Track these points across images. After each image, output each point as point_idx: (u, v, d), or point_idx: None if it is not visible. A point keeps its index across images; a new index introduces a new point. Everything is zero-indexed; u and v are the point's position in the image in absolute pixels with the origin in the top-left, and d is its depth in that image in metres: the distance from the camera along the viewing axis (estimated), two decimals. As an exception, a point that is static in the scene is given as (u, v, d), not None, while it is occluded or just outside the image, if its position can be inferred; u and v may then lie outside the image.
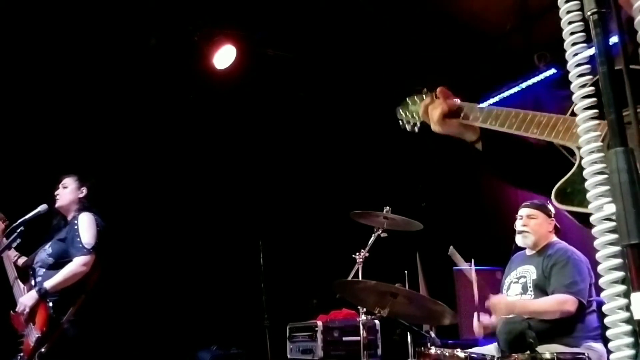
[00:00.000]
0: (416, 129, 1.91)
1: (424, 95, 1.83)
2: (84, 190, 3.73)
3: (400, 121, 1.97)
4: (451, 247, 3.36)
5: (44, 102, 4.84)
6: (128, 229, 4.82)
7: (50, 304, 3.37)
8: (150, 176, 5.46)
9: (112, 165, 5.04)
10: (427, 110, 1.74)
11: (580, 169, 1.28)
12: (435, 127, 1.74)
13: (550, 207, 3.54)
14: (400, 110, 1.95)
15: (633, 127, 0.84)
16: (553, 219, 3.50)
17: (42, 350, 3.27)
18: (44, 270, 3.53)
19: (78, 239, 3.50)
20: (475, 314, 3.42)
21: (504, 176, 1.79)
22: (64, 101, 4.91)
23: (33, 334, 3.33)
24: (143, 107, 5.32)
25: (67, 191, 3.71)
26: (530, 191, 1.80)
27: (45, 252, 3.56)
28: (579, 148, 1.33)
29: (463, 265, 3.41)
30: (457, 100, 1.72)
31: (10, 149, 4.66)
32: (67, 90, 4.89)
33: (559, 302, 3.13)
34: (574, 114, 1.18)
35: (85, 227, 3.56)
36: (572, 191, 1.36)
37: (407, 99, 1.92)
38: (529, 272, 3.37)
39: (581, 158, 1.27)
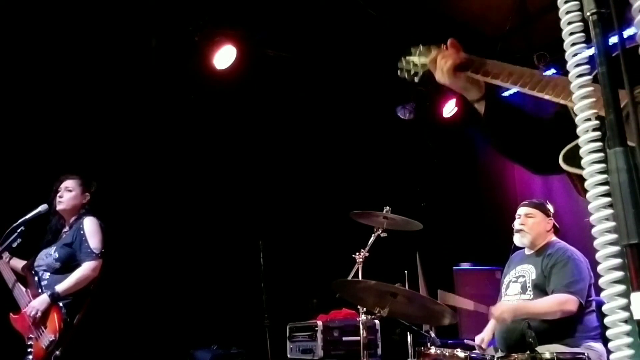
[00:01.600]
0: (416, 79, 1.85)
1: (431, 47, 1.79)
2: (87, 197, 3.76)
3: (399, 70, 1.90)
4: (439, 291, 3.37)
5: (43, 102, 4.84)
6: (128, 229, 4.82)
7: (64, 308, 3.39)
8: (150, 176, 5.45)
9: (112, 166, 5.03)
10: (435, 60, 1.69)
11: None
12: (441, 78, 1.68)
13: (549, 206, 3.54)
14: (403, 59, 1.88)
15: (633, 127, 0.84)
16: (552, 218, 3.50)
17: (57, 353, 3.28)
18: (49, 274, 3.54)
19: (86, 244, 3.53)
20: (477, 339, 3.46)
21: (498, 142, 1.72)
22: (64, 101, 4.90)
23: (46, 338, 3.33)
24: (143, 108, 5.32)
25: (72, 195, 3.71)
26: (519, 163, 1.73)
27: (52, 257, 3.57)
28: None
29: (459, 302, 3.42)
30: (471, 56, 1.69)
31: (10, 149, 4.66)
32: (67, 90, 4.89)
33: (560, 302, 3.13)
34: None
35: (92, 232, 3.59)
36: (579, 156, 1.32)
37: (412, 48, 1.87)
38: (528, 272, 3.37)
39: None
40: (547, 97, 1.40)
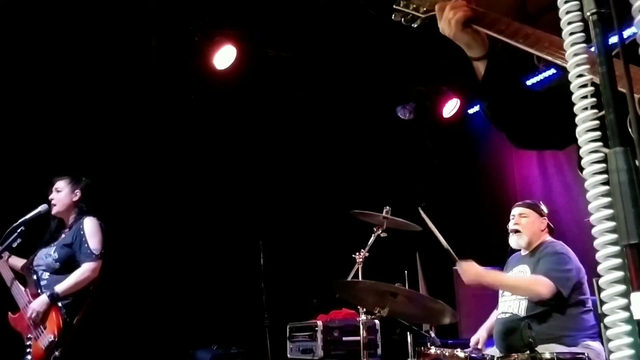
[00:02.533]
0: (414, 25, 1.69)
1: None
2: (78, 193, 3.72)
3: (395, 13, 1.71)
4: (420, 209, 3.31)
5: (43, 103, 4.84)
6: (128, 229, 4.82)
7: (63, 308, 3.39)
8: (150, 176, 5.46)
9: (111, 166, 5.03)
10: (443, 9, 1.55)
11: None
12: (446, 29, 1.55)
13: (543, 207, 3.55)
14: (401, 0, 1.70)
15: (633, 128, 0.84)
16: (545, 217, 3.51)
17: (57, 353, 3.28)
18: (49, 274, 3.54)
19: (86, 245, 3.53)
20: (472, 339, 3.47)
21: (490, 106, 1.63)
22: (64, 101, 4.91)
23: (45, 338, 3.33)
24: (143, 108, 5.32)
25: (62, 195, 3.70)
26: (505, 131, 1.65)
27: (51, 257, 3.56)
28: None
29: (432, 227, 3.40)
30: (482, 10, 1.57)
31: (10, 149, 4.66)
32: (67, 91, 4.89)
33: (533, 282, 3.13)
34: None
35: (92, 232, 3.58)
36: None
37: None
38: (523, 272, 3.38)
39: None
40: (560, 62, 1.31)
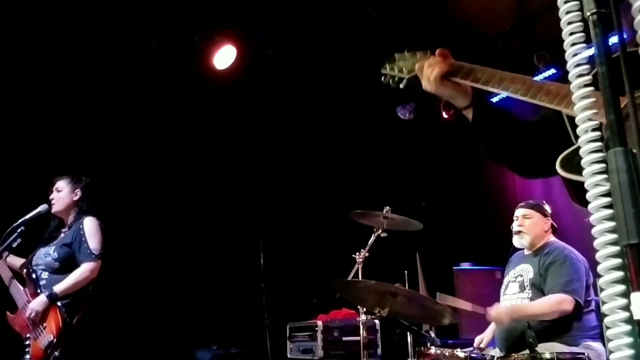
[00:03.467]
0: (401, 86, 1.78)
1: (417, 53, 1.75)
2: (78, 193, 3.72)
3: (383, 76, 1.84)
4: (438, 293, 3.38)
5: (43, 103, 4.84)
6: (128, 229, 4.83)
7: (63, 308, 3.38)
8: (150, 176, 5.46)
9: (111, 166, 5.04)
10: (422, 68, 1.65)
11: None
12: (427, 86, 1.63)
13: (546, 207, 3.55)
14: (387, 65, 1.82)
15: (633, 128, 0.84)
16: (549, 218, 3.51)
17: (56, 353, 3.27)
18: (48, 273, 3.53)
19: (86, 245, 3.52)
20: (476, 339, 3.48)
21: (487, 148, 1.69)
22: (64, 101, 4.91)
23: (44, 338, 3.32)
24: (144, 107, 5.32)
25: (62, 195, 3.69)
26: (508, 167, 1.71)
27: (51, 257, 3.55)
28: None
29: (457, 304, 3.43)
30: (459, 62, 1.64)
31: (10, 149, 4.66)
32: (67, 91, 4.89)
33: (556, 302, 3.14)
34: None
35: (92, 232, 3.57)
36: (577, 162, 1.31)
37: (396, 54, 1.80)
38: (526, 271, 3.38)
39: None
40: (540, 102, 1.38)
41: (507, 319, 3.18)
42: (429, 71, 1.61)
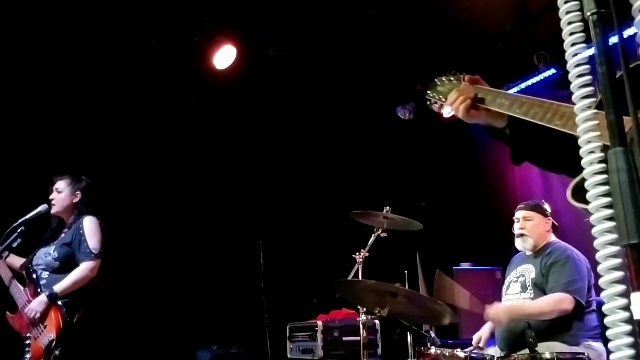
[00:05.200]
0: (443, 110, 1.93)
1: (452, 78, 1.86)
2: (79, 195, 3.71)
3: (427, 100, 1.96)
4: (437, 270, 3.37)
5: (43, 102, 4.84)
6: (128, 229, 4.83)
7: (64, 307, 3.38)
8: (150, 176, 5.46)
9: (112, 166, 5.04)
10: (453, 101, 1.76)
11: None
12: (460, 117, 1.74)
13: (546, 206, 3.54)
14: (429, 90, 1.95)
15: (633, 128, 0.84)
16: (550, 217, 3.50)
17: (57, 353, 3.27)
18: (48, 273, 3.53)
19: (85, 244, 3.52)
20: (474, 337, 3.47)
21: (535, 161, 1.79)
22: (64, 101, 4.91)
23: (45, 337, 3.32)
24: (144, 107, 5.32)
25: (62, 196, 3.69)
26: (562, 173, 1.77)
27: (51, 256, 3.56)
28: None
29: (455, 293, 3.41)
30: (485, 87, 1.73)
31: (10, 149, 4.66)
32: (67, 91, 4.89)
33: (556, 302, 3.13)
34: (599, 107, 1.19)
35: (91, 232, 3.58)
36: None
37: (436, 79, 1.93)
38: (528, 271, 3.38)
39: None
40: (555, 127, 1.44)
41: (506, 319, 3.17)
42: (456, 105, 1.72)
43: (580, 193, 1.25)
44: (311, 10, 4.90)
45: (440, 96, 1.87)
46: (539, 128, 1.54)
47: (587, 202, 1.25)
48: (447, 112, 1.89)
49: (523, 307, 3.25)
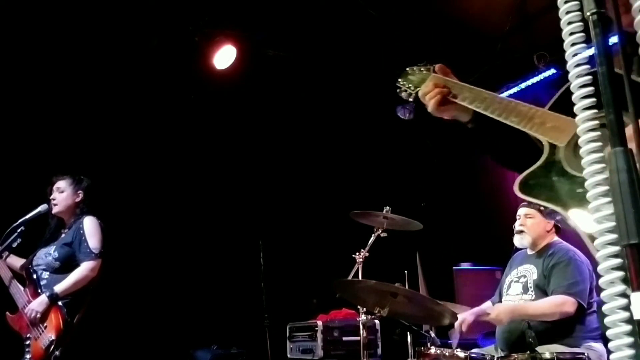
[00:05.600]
0: (411, 99, 1.94)
1: (422, 68, 1.89)
2: (80, 195, 3.72)
3: (397, 88, 1.99)
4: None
5: (43, 103, 4.84)
6: (128, 229, 4.83)
7: (64, 307, 3.38)
8: (150, 176, 5.46)
9: (112, 166, 5.04)
10: (424, 94, 1.79)
11: (545, 163, 1.40)
12: (430, 111, 1.79)
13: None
14: (400, 78, 1.97)
15: (633, 126, 0.84)
16: None
17: (57, 353, 3.27)
18: (48, 273, 3.53)
19: (85, 244, 3.52)
20: (456, 324, 3.36)
21: (492, 155, 1.84)
22: (64, 101, 4.91)
23: (45, 338, 3.32)
24: (144, 107, 5.32)
25: (64, 196, 3.69)
26: (515, 170, 1.84)
27: (51, 256, 3.56)
28: (549, 143, 1.41)
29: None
30: (452, 80, 1.77)
31: (10, 149, 4.66)
32: (67, 91, 4.89)
33: (558, 304, 3.13)
34: (552, 109, 1.35)
35: (92, 232, 3.58)
36: (535, 183, 1.42)
37: (407, 69, 1.96)
38: (530, 272, 3.37)
39: (548, 153, 1.39)
40: (511, 123, 1.51)
41: (507, 319, 3.17)
42: (428, 98, 1.76)
43: (528, 187, 1.42)
44: (311, 10, 4.90)
45: (410, 85, 1.89)
46: (498, 125, 1.58)
47: (534, 195, 1.39)
48: (412, 99, 1.91)
49: (525, 307, 3.24)
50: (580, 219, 1.26)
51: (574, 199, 1.30)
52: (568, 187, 1.34)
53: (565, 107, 1.32)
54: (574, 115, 1.15)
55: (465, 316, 3.30)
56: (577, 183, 1.31)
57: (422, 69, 1.89)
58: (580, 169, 1.20)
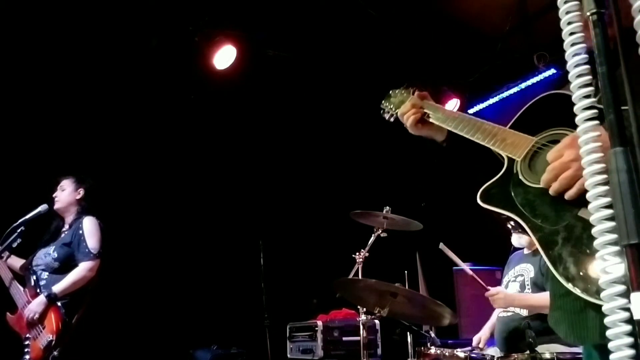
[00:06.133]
0: (392, 120, 2.14)
1: (403, 91, 2.10)
2: (81, 192, 3.75)
3: (381, 109, 2.19)
4: (441, 243, 3.41)
5: (43, 103, 4.84)
6: (128, 229, 4.82)
7: (63, 308, 3.38)
8: (150, 176, 5.46)
9: (112, 166, 5.03)
10: (403, 114, 1.98)
11: (504, 175, 1.55)
12: (409, 130, 2.00)
13: None
14: (383, 100, 2.18)
15: (633, 128, 0.84)
16: None
17: (55, 353, 3.27)
18: (48, 273, 3.54)
19: (84, 244, 3.53)
20: (474, 339, 3.47)
21: (462, 169, 1.98)
22: (64, 101, 4.91)
23: (44, 338, 3.32)
24: (144, 108, 5.32)
25: (65, 193, 3.74)
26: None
27: (50, 256, 3.56)
28: (508, 157, 1.56)
29: (456, 260, 3.44)
30: (428, 102, 1.95)
31: (10, 149, 4.66)
32: (67, 91, 4.89)
33: None
34: (513, 127, 1.57)
35: (91, 231, 3.59)
36: (494, 193, 1.57)
37: (390, 91, 2.16)
38: (527, 271, 3.38)
39: (507, 166, 1.55)
40: (477, 140, 1.66)
41: (504, 304, 3.20)
42: (406, 117, 1.96)
43: (489, 196, 1.59)
44: (311, 10, 4.90)
45: (392, 106, 2.11)
46: (468, 144, 1.73)
47: (493, 204, 1.55)
48: (393, 119, 2.13)
49: (525, 297, 3.26)
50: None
51: (526, 206, 1.45)
52: (522, 196, 1.47)
53: (524, 125, 1.54)
54: (531, 133, 1.49)
55: (481, 335, 3.51)
56: (530, 192, 1.46)
57: (402, 91, 2.09)
58: (534, 178, 1.43)
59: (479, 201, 1.58)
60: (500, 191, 1.54)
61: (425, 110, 1.91)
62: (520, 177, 1.50)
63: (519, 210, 1.47)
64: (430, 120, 1.88)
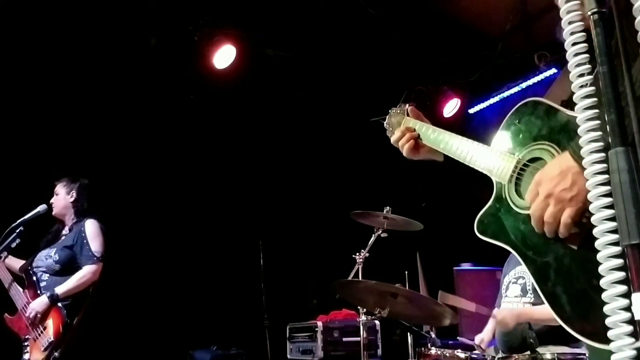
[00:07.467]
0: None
1: (398, 110, 2.13)
2: (73, 194, 3.76)
3: (385, 129, 2.24)
4: (440, 292, 3.40)
5: (43, 103, 4.84)
6: (127, 229, 4.82)
7: (64, 309, 3.38)
8: (150, 176, 5.45)
9: (111, 167, 5.03)
10: (397, 141, 1.99)
11: (495, 201, 1.53)
12: (406, 156, 2.01)
13: None
14: (386, 119, 2.23)
15: (633, 128, 0.84)
16: None
17: (56, 354, 3.27)
18: (48, 275, 3.54)
19: (87, 247, 3.54)
20: (476, 338, 3.46)
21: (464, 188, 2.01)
22: (63, 102, 4.90)
23: (44, 339, 3.32)
24: (143, 107, 5.31)
25: (59, 198, 3.78)
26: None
27: (52, 259, 3.57)
28: (496, 180, 1.54)
29: (461, 303, 3.43)
30: (420, 122, 1.96)
31: (10, 149, 4.66)
32: (66, 91, 4.89)
33: None
34: (498, 141, 1.57)
35: (94, 235, 3.60)
36: (488, 222, 1.56)
37: (390, 110, 2.21)
38: (528, 273, 3.36)
39: (496, 190, 1.54)
40: (460, 160, 1.70)
41: (513, 323, 3.17)
42: (401, 145, 1.96)
43: (483, 225, 1.57)
44: (311, 10, 4.90)
45: (391, 127, 2.14)
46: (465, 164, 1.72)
47: (488, 235, 1.53)
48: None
49: (531, 312, 3.24)
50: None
51: (518, 236, 1.43)
52: (514, 225, 1.45)
53: (506, 139, 1.53)
54: (513, 148, 1.48)
55: (483, 336, 3.46)
56: (520, 219, 1.43)
57: (398, 111, 2.11)
58: (522, 204, 1.41)
59: (476, 233, 1.59)
60: (494, 220, 1.53)
61: (416, 131, 1.93)
62: (509, 202, 1.49)
63: (513, 242, 1.46)
64: (422, 142, 1.90)
